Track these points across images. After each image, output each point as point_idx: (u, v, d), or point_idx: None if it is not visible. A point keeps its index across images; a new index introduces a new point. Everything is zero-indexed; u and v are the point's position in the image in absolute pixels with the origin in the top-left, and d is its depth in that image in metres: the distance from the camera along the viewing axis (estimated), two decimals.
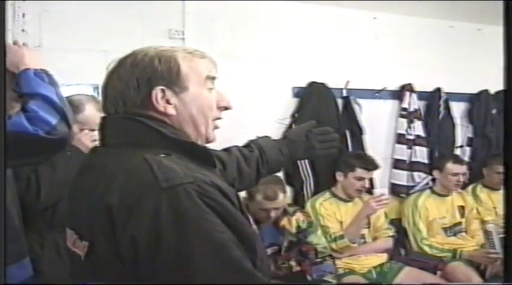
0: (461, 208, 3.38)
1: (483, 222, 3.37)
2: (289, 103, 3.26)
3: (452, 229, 3.30)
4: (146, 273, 0.83)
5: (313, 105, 3.21)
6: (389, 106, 3.57)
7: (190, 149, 0.95)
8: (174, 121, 0.98)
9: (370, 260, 2.97)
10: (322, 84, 3.28)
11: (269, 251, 2.55)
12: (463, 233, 3.34)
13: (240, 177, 1.39)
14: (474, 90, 3.76)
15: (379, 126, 3.50)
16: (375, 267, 2.96)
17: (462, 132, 3.77)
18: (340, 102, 3.36)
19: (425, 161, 3.53)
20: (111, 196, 0.86)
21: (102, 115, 1.02)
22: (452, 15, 3.58)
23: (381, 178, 3.41)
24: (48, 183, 1.76)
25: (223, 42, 3.02)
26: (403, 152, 3.51)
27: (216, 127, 1.05)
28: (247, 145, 1.48)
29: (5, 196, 1.30)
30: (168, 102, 0.97)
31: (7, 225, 1.28)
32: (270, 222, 2.62)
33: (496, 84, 3.53)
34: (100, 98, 1.06)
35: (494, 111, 3.76)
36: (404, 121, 3.51)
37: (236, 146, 1.46)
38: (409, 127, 3.51)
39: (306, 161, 3.14)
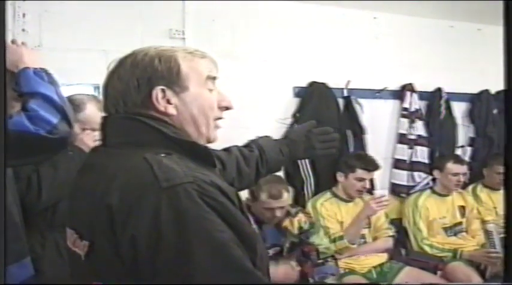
0: (462, 208, 3.38)
1: (483, 222, 3.37)
2: (290, 103, 3.26)
3: (452, 229, 3.30)
4: (146, 273, 0.83)
5: (314, 104, 3.21)
6: (390, 106, 3.57)
7: (191, 149, 0.95)
8: (175, 121, 0.98)
9: (371, 259, 2.97)
10: (323, 83, 3.28)
11: (271, 252, 2.54)
12: (464, 233, 3.33)
13: (240, 177, 1.40)
14: (474, 90, 3.76)
15: (380, 125, 3.49)
16: (375, 267, 2.96)
17: (463, 132, 3.77)
18: (341, 101, 3.36)
19: (426, 161, 3.52)
20: (112, 196, 0.86)
21: (103, 114, 1.02)
22: (452, 15, 3.58)
23: (382, 178, 3.41)
24: (50, 183, 1.76)
25: (223, 42, 3.02)
26: (403, 152, 3.50)
27: (217, 127, 1.05)
28: (247, 145, 1.48)
29: (6, 196, 1.30)
30: (168, 101, 0.97)
31: (8, 224, 1.27)
32: (275, 222, 2.62)
33: (496, 84, 3.52)
34: (101, 98, 1.06)
35: (495, 111, 3.75)
36: (405, 121, 3.51)
37: (236, 146, 1.46)
38: (411, 127, 3.51)
39: (307, 161, 3.14)
